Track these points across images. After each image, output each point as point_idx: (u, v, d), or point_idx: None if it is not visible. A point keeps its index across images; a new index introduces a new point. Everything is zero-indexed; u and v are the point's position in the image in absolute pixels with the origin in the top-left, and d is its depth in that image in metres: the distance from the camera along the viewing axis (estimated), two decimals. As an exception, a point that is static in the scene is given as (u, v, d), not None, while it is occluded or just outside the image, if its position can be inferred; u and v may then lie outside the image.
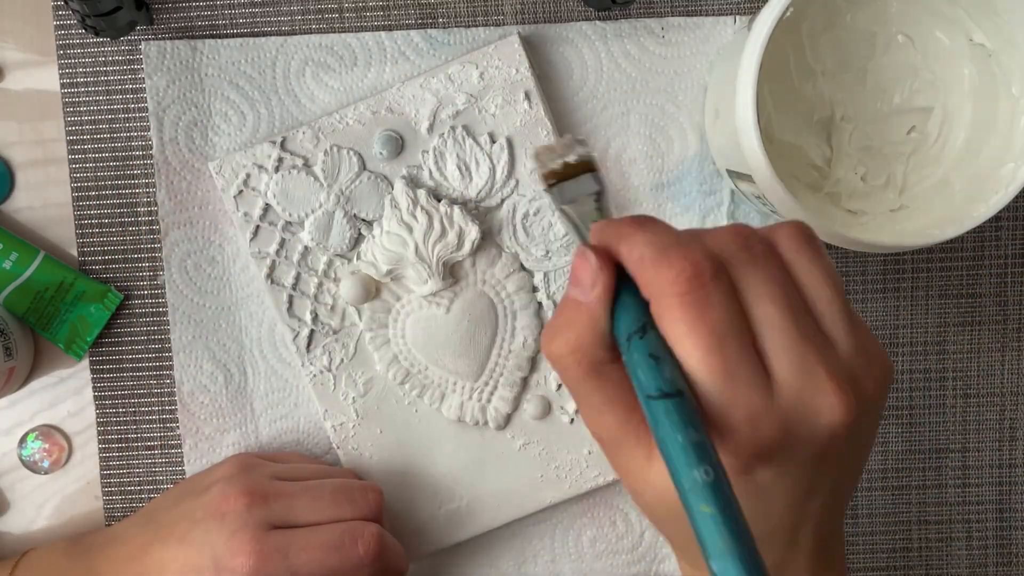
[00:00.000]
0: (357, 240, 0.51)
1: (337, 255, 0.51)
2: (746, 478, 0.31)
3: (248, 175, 0.51)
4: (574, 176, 0.36)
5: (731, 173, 0.49)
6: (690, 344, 0.30)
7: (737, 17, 0.52)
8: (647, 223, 0.33)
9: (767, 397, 0.31)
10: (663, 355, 0.31)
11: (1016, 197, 0.46)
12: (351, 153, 0.51)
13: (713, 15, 0.52)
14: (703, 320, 0.30)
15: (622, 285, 0.32)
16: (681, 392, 0.30)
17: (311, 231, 0.51)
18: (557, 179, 0.36)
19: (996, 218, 0.54)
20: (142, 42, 0.52)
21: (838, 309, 0.32)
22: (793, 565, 0.34)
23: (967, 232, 0.45)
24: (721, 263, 0.31)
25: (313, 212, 0.51)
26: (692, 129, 0.53)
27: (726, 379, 0.30)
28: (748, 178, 0.45)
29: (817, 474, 0.32)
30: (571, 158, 0.36)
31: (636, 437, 0.32)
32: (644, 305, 0.32)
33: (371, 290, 0.51)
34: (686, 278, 0.31)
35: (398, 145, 0.51)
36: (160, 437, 0.54)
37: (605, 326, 0.32)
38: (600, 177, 0.36)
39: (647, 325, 0.31)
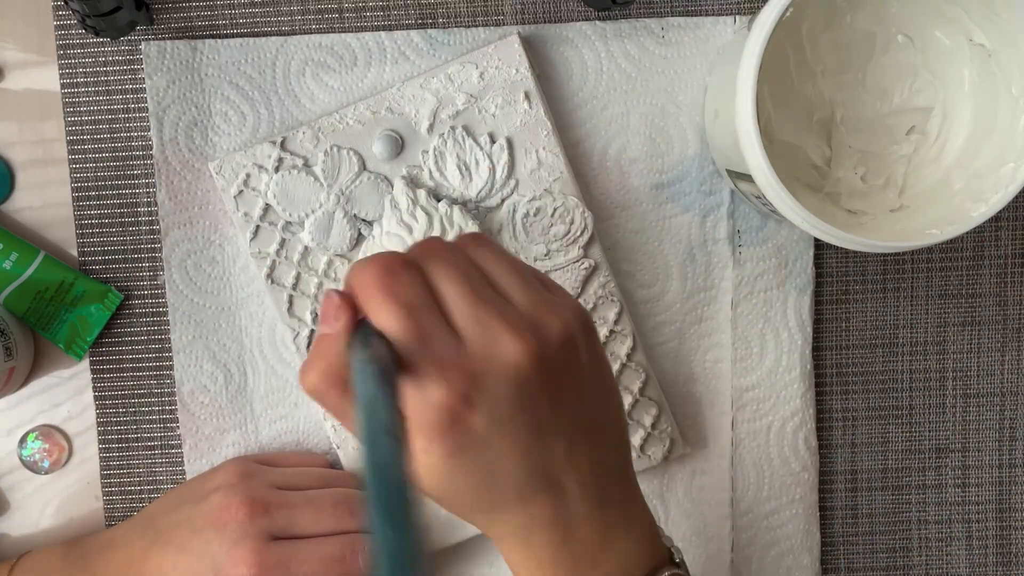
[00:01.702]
0: (357, 240, 0.51)
1: (337, 255, 0.51)
2: (462, 429, 0.35)
3: (248, 175, 0.51)
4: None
5: (731, 173, 0.49)
6: (388, 315, 0.36)
7: (737, 17, 0.52)
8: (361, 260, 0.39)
9: (457, 349, 0.36)
10: (372, 345, 0.35)
11: (1016, 197, 0.46)
12: (351, 153, 0.51)
13: (713, 15, 0.52)
14: (395, 296, 0.36)
15: (361, 327, 0.36)
16: (375, 362, 0.34)
17: (311, 231, 0.51)
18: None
19: (996, 218, 0.54)
20: (142, 42, 0.52)
21: (513, 277, 0.38)
22: (574, 516, 0.38)
23: (967, 232, 0.45)
24: (411, 260, 0.37)
25: (313, 212, 0.51)
26: (692, 129, 0.53)
27: (420, 339, 0.35)
28: (748, 178, 0.45)
29: (532, 410, 0.37)
30: None
31: None
32: (374, 334, 0.36)
33: None
34: (381, 269, 0.36)
35: (398, 145, 0.51)
36: (160, 437, 0.54)
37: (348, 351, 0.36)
38: None
39: (366, 344, 0.35)
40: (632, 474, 0.42)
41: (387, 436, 0.31)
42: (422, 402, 0.35)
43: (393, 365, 0.35)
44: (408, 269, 0.37)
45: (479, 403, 0.36)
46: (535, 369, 0.36)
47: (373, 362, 0.34)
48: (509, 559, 0.40)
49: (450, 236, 0.50)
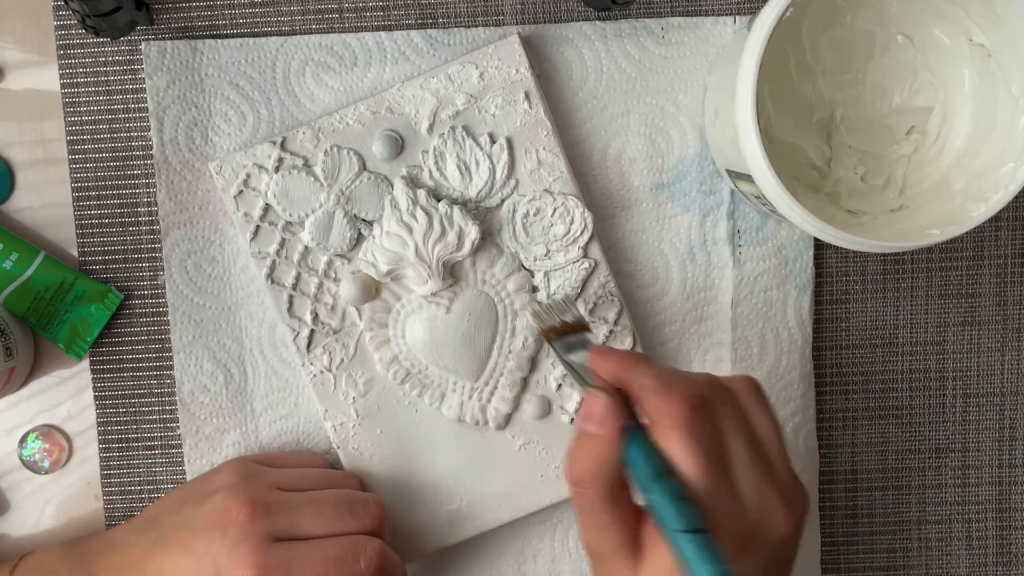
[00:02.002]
0: (357, 240, 0.51)
1: (337, 255, 0.51)
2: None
3: (248, 175, 0.51)
4: (571, 332, 0.46)
5: (731, 173, 0.49)
6: (690, 458, 0.38)
7: (737, 17, 0.52)
8: (645, 360, 0.41)
9: (738, 511, 0.38)
10: (683, 497, 0.37)
11: (1016, 197, 0.46)
12: (351, 153, 0.51)
13: (713, 15, 0.52)
14: (700, 442, 0.38)
15: (634, 435, 0.39)
16: (707, 530, 0.37)
17: (311, 231, 0.51)
18: (556, 334, 0.46)
19: (996, 218, 0.54)
20: (142, 42, 0.52)
21: (779, 448, 0.41)
22: None
23: (967, 232, 0.45)
24: (708, 402, 0.39)
25: (313, 212, 0.51)
26: (692, 129, 0.53)
27: (715, 492, 0.38)
28: (748, 178, 0.45)
29: (774, 571, 0.40)
30: (568, 318, 0.46)
31: (631, 554, 0.39)
32: (654, 449, 0.38)
33: (371, 290, 0.51)
34: (688, 408, 0.38)
35: (398, 145, 0.51)
36: (160, 437, 0.54)
37: (619, 456, 0.39)
38: (591, 335, 0.46)
39: (664, 472, 0.38)
40: None
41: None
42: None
43: (714, 537, 0.37)
44: (707, 413, 0.39)
45: (745, 564, 0.38)
46: (791, 538, 0.40)
47: (700, 528, 0.36)
48: None
49: (450, 236, 0.50)
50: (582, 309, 0.52)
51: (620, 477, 0.39)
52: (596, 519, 0.39)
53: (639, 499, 0.39)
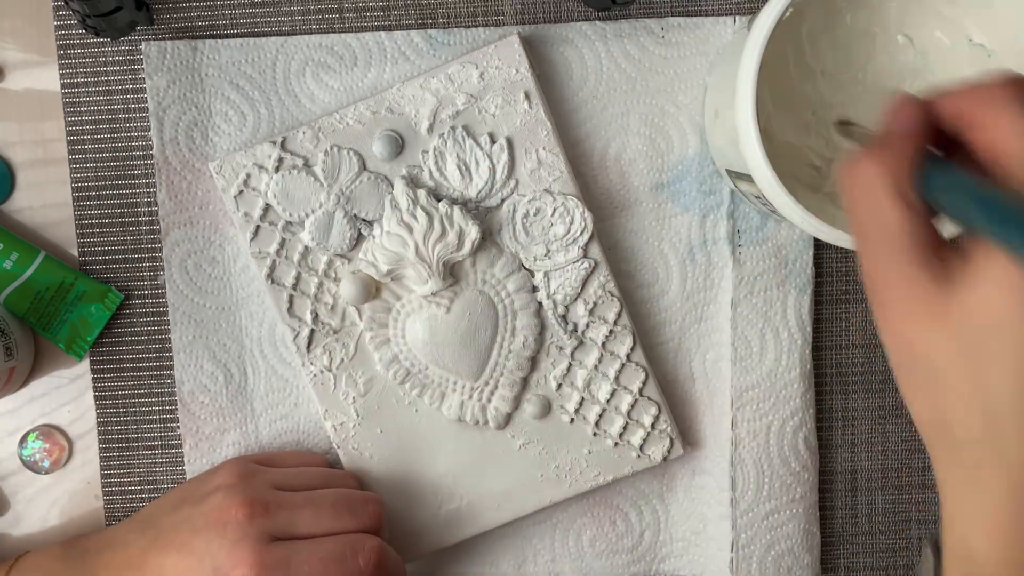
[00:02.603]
0: (357, 240, 0.51)
1: (337, 255, 0.51)
2: None
3: (248, 175, 0.51)
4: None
5: (731, 173, 0.49)
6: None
7: (737, 17, 0.52)
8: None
9: None
10: (997, 186, 0.31)
11: (1016, 197, 0.46)
12: (351, 153, 0.51)
13: (713, 15, 0.52)
14: None
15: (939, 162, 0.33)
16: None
17: (311, 231, 0.51)
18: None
19: (996, 218, 0.54)
20: (142, 42, 0.52)
21: None
22: None
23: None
24: None
25: (313, 212, 0.51)
26: (692, 129, 0.53)
27: None
28: (748, 178, 0.45)
29: None
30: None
31: (931, 277, 0.31)
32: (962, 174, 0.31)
33: (371, 290, 0.51)
34: (1016, 88, 0.31)
35: (398, 145, 0.51)
36: (160, 437, 0.54)
37: (919, 151, 0.32)
38: None
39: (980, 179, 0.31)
40: None
41: None
42: None
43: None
44: None
45: None
46: None
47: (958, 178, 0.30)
48: (970, 515, 0.33)
49: (450, 236, 0.50)
50: (582, 309, 0.52)
51: (915, 192, 0.32)
52: (886, 229, 0.32)
53: (946, 229, 0.34)
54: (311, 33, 0.52)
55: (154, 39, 0.52)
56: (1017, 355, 0.30)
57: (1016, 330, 0.30)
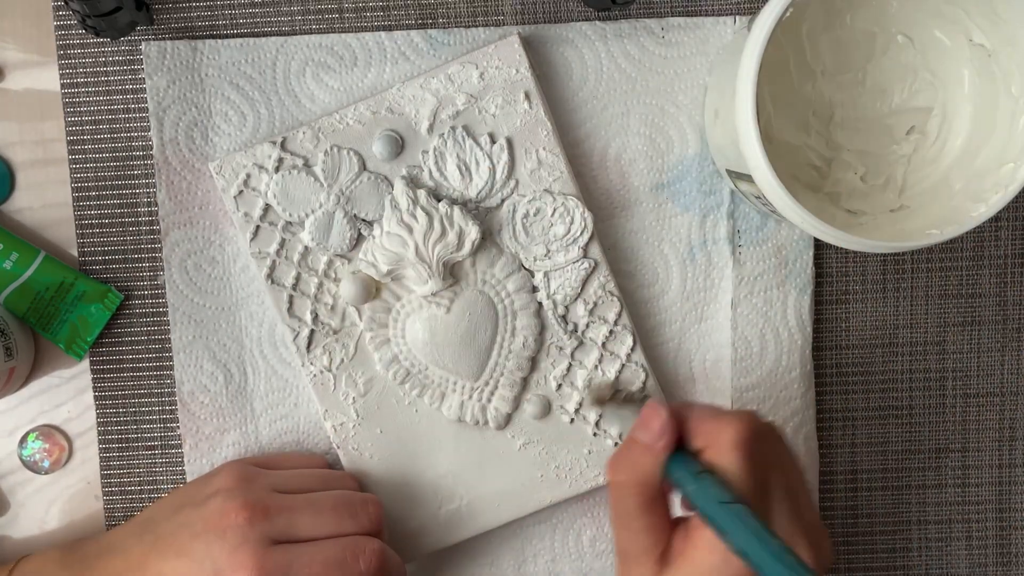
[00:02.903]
0: (357, 240, 0.51)
1: (337, 255, 0.51)
2: None
3: (248, 175, 0.51)
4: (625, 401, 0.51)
5: (731, 173, 0.49)
6: (744, 481, 0.39)
7: (737, 17, 0.52)
8: (694, 402, 0.46)
9: (804, 532, 0.40)
10: (724, 484, 0.39)
11: (1016, 197, 0.46)
12: (351, 153, 0.51)
13: (713, 15, 0.52)
14: (753, 467, 0.39)
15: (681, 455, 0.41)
16: (745, 502, 0.38)
17: (311, 231, 0.51)
18: (609, 400, 0.50)
19: (996, 218, 0.54)
20: (142, 42, 0.52)
21: (806, 490, 0.43)
22: None
23: (967, 232, 0.45)
24: (759, 430, 0.41)
25: (313, 212, 0.51)
26: (692, 129, 0.53)
27: (766, 514, 0.39)
28: (748, 178, 0.45)
29: None
30: (624, 394, 0.51)
31: (658, 559, 0.40)
32: (694, 459, 0.40)
33: (371, 290, 0.51)
34: (746, 432, 0.40)
35: (398, 145, 0.51)
36: (160, 437, 0.54)
37: (662, 469, 0.41)
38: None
39: (703, 469, 0.40)
40: None
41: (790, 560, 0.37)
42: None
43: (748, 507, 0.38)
44: (761, 442, 0.41)
45: None
46: None
47: (743, 501, 0.38)
48: None
49: (450, 236, 0.50)
50: (582, 309, 0.52)
51: (660, 488, 0.41)
52: (631, 522, 0.41)
53: (678, 507, 0.42)
54: (311, 33, 0.52)
55: (154, 39, 0.52)
56: None
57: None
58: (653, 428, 0.41)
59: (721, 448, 0.40)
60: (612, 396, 0.50)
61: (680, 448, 0.41)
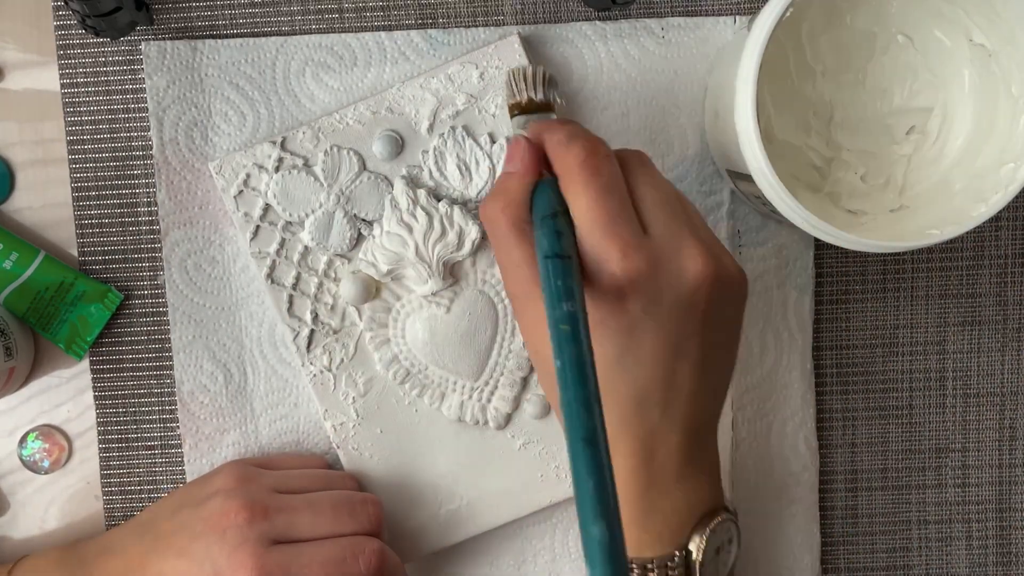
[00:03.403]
0: (357, 240, 0.51)
1: (337, 255, 0.51)
2: (619, 308, 0.38)
3: (248, 175, 0.51)
4: (535, 111, 0.45)
5: (731, 173, 0.49)
6: (584, 196, 0.39)
7: (737, 17, 0.52)
8: (568, 122, 0.43)
9: (641, 236, 0.39)
10: (565, 232, 0.38)
11: (1016, 197, 0.46)
12: (351, 153, 0.51)
13: (713, 15, 0.52)
14: (595, 179, 0.39)
15: (544, 182, 0.40)
16: (569, 256, 0.37)
17: (311, 231, 0.51)
18: (520, 111, 0.46)
19: (996, 218, 0.54)
20: (142, 42, 0.52)
21: (693, 209, 0.42)
22: (665, 440, 0.40)
23: (967, 232, 0.45)
24: (608, 151, 0.40)
25: (313, 212, 0.51)
26: (692, 129, 0.53)
27: (608, 219, 0.38)
28: (748, 178, 0.45)
29: (683, 327, 0.39)
30: (538, 96, 0.46)
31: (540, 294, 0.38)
32: (558, 197, 0.40)
33: (371, 290, 0.51)
34: (588, 152, 0.39)
35: (398, 145, 0.51)
36: (160, 437, 0.54)
37: (529, 193, 0.40)
38: (554, 116, 0.45)
39: (558, 212, 0.39)
40: (716, 426, 0.43)
41: (566, 294, 0.35)
42: (594, 272, 0.38)
43: (576, 265, 0.37)
44: (611, 159, 0.40)
45: (646, 289, 0.38)
46: (706, 294, 0.39)
47: (563, 255, 0.37)
48: None
49: (450, 236, 0.50)
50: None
51: (528, 215, 0.40)
52: (510, 256, 0.40)
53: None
54: (311, 33, 0.52)
55: (154, 39, 0.52)
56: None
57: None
58: (515, 156, 0.41)
59: (568, 173, 0.39)
60: (525, 108, 0.46)
61: (552, 178, 0.40)
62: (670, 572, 0.41)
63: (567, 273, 0.36)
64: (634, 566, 0.41)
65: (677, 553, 0.41)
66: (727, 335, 0.42)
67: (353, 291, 0.51)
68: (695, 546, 0.41)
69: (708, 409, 0.42)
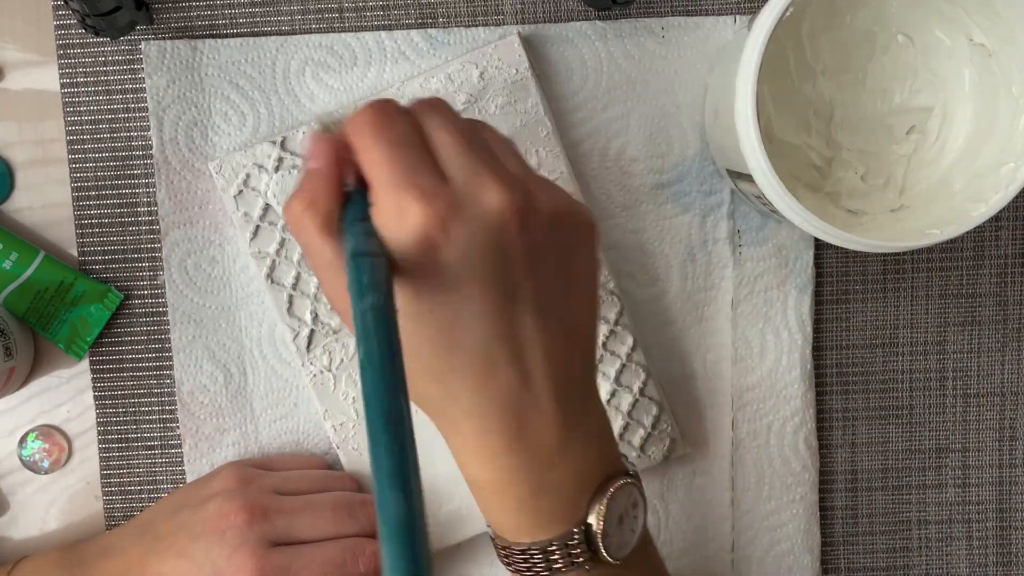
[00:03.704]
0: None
1: None
2: (436, 267, 0.35)
3: (248, 175, 0.51)
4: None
5: (731, 173, 0.49)
6: (375, 150, 0.36)
7: (737, 17, 0.52)
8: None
9: (441, 183, 0.36)
10: (374, 233, 0.36)
11: (1016, 197, 0.46)
12: None
13: (713, 15, 0.52)
14: (385, 134, 0.36)
15: (353, 191, 0.38)
16: (377, 255, 0.35)
17: None
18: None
19: (996, 218, 0.54)
20: (142, 42, 0.52)
21: (512, 155, 0.39)
22: (534, 406, 0.37)
23: (967, 232, 0.45)
24: (407, 109, 0.38)
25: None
26: (692, 129, 0.53)
27: (403, 171, 0.36)
28: (748, 178, 0.45)
29: (506, 271, 0.36)
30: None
31: None
32: (365, 204, 0.37)
33: None
34: (374, 112, 0.37)
35: None
36: (160, 437, 0.54)
37: (334, 190, 0.37)
38: None
39: (367, 216, 0.36)
40: (595, 384, 0.41)
41: (370, 287, 0.32)
42: (398, 229, 0.35)
43: (383, 263, 0.35)
44: (402, 114, 0.37)
45: (454, 234, 0.35)
46: (516, 227, 0.36)
47: (369, 227, 0.35)
48: (461, 452, 0.39)
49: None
50: None
51: (336, 210, 0.37)
52: (321, 256, 0.37)
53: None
54: (311, 33, 0.52)
55: (154, 39, 0.52)
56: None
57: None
58: (318, 151, 0.38)
59: (358, 134, 0.37)
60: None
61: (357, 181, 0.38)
62: (572, 551, 0.38)
63: (373, 268, 0.34)
64: (535, 550, 0.38)
65: (576, 530, 0.38)
66: (572, 276, 0.39)
67: None
68: (594, 518, 0.38)
69: (572, 363, 0.39)
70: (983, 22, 0.47)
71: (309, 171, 0.38)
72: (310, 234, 0.37)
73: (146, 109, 0.52)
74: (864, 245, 0.45)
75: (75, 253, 0.53)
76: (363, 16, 0.52)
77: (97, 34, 0.50)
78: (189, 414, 0.53)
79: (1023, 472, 0.56)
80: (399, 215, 0.35)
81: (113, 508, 0.54)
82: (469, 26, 0.52)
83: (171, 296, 0.53)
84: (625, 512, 0.39)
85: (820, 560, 0.55)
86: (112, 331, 0.53)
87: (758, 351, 0.54)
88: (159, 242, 0.53)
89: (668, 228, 0.53)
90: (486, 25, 0.52)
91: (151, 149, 0.52)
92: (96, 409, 0.54)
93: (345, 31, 0.52)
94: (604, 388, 0.52)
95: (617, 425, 0.52)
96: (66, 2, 0.48)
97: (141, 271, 0.53)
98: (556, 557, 0.38)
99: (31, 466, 0.54)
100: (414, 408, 0.51)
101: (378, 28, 0.52)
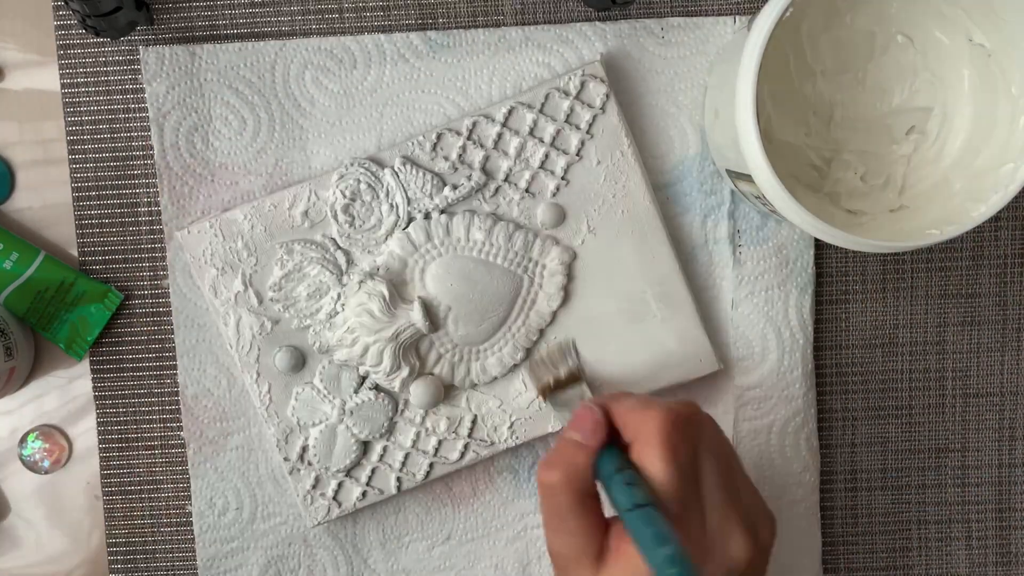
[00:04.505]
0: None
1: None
2: None
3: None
4: (566, 385, 0.48)
5: (731, 173, 0.49)
6: (664, 469, 0.39)
7: (737, 17, 0.52)
8: (627, 392, 0.44)
9: (701, 527, 0.39)
10: (637, 483, 0.39)
11: (1016, 197, 0.46)
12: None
13: (713, 15, 0.52)
14: (675, 454, 0.39)
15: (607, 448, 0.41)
16: (652, 504, 0.38)
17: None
18: (551, 391, 0.48)
19: (996, 218, 0.54)
20: (141, 48, 0.52)
21: (743, 473, 0.42)
22: None
23: (967, 232, 0.45)
24: (689, 420, 0.41)
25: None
26: (692, 129, 0.53)
27: (680, 505, 0.39)
28: (748, 178, 0.45)
29: None
30: (563, 370, 0.48)
31: (594, 560, 0.39)
32: (622, 454, 0.40)
33: (440, 392, 0.51)
34: (668, 423, 0.40)
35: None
36: (160, 437, 0.54)
37: (594, 464, 0.40)
38: (585, 386, 0.48)
39: (625, 467, 0.39)
40: None
41: (660, 539, 0.36)
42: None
43: (659, 510, 0.38)
44: (685, 430, 0.40)
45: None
46: (753, 564, 0.40)
47: (644, 503, 0.38)
48: None
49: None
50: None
51: (592, 486, 0.41)
52: (564, 524, 0.40)
53: (607, 508, 0.41)
54: (311, 34, 0.52)
55: (154, 40, 0.52)
56: None
57: None
58: (585, 426, 0.41)
59: (645, 441, 0.39)
60: (555, 386, 0.48)
61: (612, 443, 0.41)
62: None
63: (655, 520, 0.37)
64: None
65: None
66: None
67: (424, 397, 0.51)
68: None
69: None
70: (983, 22, 0.47)
71: (572, 442, 0.41)
72: (562, 505, 0.40)
73: (146, 109, 0.52)
74: (864, 245, 0.45)
75: (76, 253, 0.53)
76: (363, 16, 0.52)
77: (97, 34, 0.50)
78: (193, 418, 0.53)
79: (1023, 472, 0.56)
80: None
81: (113, 508, 0.54)
82: (469, 27, 0.52)
83: (175, 300, 0.53)
84: None
85: (820, 560, 0.55)
86: (112, 331, 0.54)
87: (759, 351, 0.54)
88: (159, 242, 0.53)
89: (668, 228, 0.53)
90: (486, 26, 0.52)
91: (151, 149, 0.52)
92: (96, 409, 0.54)
93: (345, 32, 0.52)
94: (604, 388, 0.52)
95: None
96: (67, 2, 0.48)
97: (141, 271, 0.53)
98: None
99: (31, 466, 0.54)
100: None
101: (378, 28, 0.52)
